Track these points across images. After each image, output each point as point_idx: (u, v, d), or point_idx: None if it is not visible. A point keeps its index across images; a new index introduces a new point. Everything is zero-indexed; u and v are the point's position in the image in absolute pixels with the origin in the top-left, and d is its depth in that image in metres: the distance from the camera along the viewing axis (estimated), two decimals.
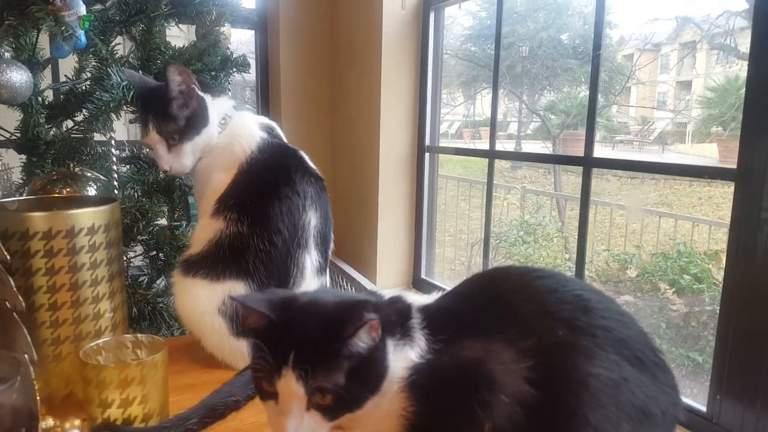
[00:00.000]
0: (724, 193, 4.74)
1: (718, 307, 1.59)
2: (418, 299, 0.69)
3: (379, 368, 0.61)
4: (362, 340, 0.59)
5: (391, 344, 0.62)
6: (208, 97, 1.09)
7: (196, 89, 1.06)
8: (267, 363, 0.60)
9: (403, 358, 0.62)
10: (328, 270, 1.13)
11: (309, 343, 0.59)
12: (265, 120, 1.14)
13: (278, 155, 1.09)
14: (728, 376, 1.54)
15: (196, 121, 1.06)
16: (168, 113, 1.05)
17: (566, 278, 0.68)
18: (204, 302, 1.03)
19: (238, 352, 1.03)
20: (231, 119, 1.10)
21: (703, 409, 1.60)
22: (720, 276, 1.62)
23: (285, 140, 1.14)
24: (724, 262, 1.58)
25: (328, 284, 1.13)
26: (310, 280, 1.06)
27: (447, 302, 0.69)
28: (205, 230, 1.06)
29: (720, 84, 5.27)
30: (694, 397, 1.99)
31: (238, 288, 1.02)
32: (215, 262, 1.03)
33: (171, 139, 1.06)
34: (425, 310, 0.67)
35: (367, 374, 0.61)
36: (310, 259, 1.06)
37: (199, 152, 1.08)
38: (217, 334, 1.03)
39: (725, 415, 1.54)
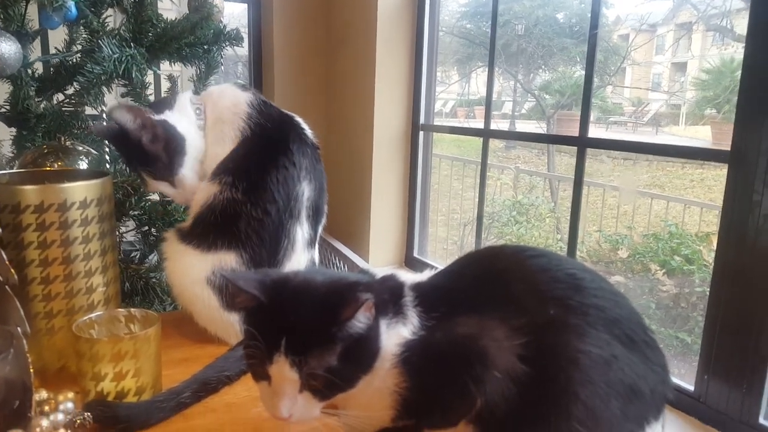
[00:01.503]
0: (716, 176, 4.76)
1: (708, 289, 1.60)
2: (410, 277, 0.69)
3: (372, 348, 0.61)
4: (359, 321, 0.60)
5: (383, 323, 0.62)
6: (167, 113, 1.04)
7: (152, 116, 1.02)
8: (259, 349, 0.60)
9: (396, 335, 0.63)
10: (317, 244, 1.12)
11: (302, 327, 0.59)
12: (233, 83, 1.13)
13: (277, 122, 1.07)
14: (716, 356, 1.56)
15: (174, 144, 1.03)
16: (148, 156, 1.03)
17: (560, 257, 0.68)
18: (194, 272, 1.02)
19: (230, 325, 1.02)
20: (202, 103, 1.08)
21: (691, 388, 1.62)
22: (710, 258, 1.63)
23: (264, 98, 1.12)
24: (714, 244, 1.59)
25: (317, 258, 1.12)
26: (301, 252, 1.05)
27: (440, 280, 0.69)
28: (199, 194, 1.05)
29: (715, 66, 5.26)
30: (682, 376, 2.01)
31: (228, 258, 1.01)
32: (207, 229, 1.02)
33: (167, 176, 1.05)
34: (418, 287, 0.67)
35: (360, 355, 0.61)
36: (302, 231, 1.05)
37: (197, 164, 1.06)
38: (207, 306, 1.02)
39: (712, 395, 1.56)
